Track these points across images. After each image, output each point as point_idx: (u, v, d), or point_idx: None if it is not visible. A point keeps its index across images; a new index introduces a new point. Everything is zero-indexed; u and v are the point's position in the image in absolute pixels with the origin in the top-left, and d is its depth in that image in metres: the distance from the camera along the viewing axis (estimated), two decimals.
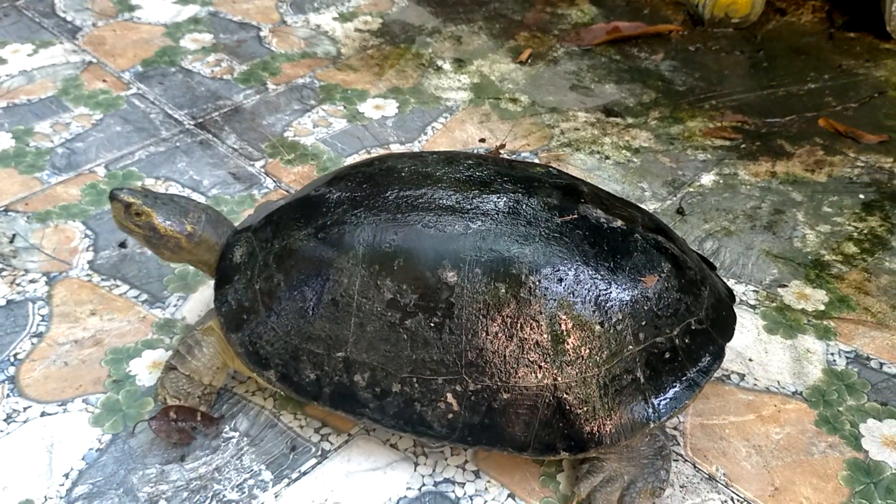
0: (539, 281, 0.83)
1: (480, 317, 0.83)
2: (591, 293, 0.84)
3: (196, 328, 0.96)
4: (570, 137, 1.45)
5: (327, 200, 0.91)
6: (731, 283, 1.14)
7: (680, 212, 1.27)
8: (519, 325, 0.82)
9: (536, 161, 1.37)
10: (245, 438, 0.94)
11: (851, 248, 1.21)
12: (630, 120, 1.49)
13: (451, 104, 1.53)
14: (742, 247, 1.21)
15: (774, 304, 1.11)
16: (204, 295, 1.12)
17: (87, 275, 1.14)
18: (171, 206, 0.94)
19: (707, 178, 1.35)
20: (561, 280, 0.83)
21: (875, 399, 0.98)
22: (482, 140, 1.43)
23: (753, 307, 1.11)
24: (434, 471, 0.91)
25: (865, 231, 1.24)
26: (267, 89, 1.56)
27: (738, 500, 0.88)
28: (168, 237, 0.93)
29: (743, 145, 1.43)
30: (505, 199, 0.88)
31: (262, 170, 1.36)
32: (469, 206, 0.87)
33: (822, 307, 1.11)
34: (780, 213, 1.28)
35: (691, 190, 1.33)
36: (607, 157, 1.40)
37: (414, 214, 0.87)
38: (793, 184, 1.34)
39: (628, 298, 0.85)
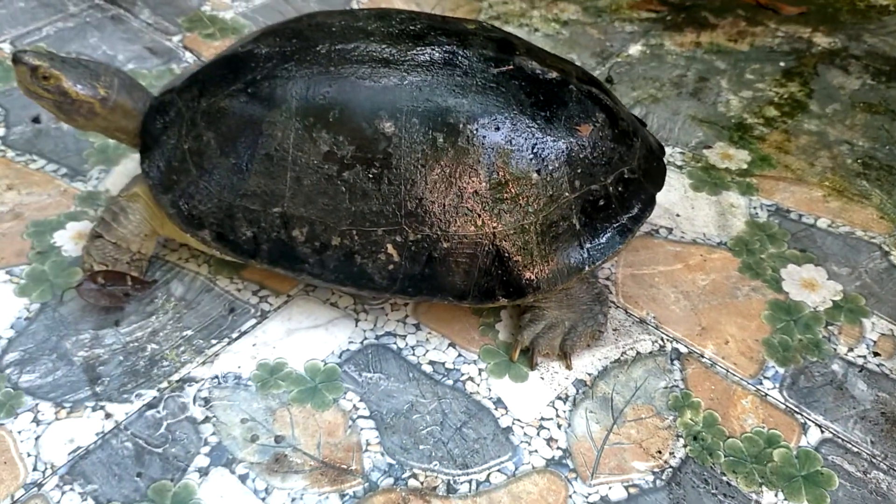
0: (476, 130, 0.82)
1: (419, 167, 0.82)
2: (527, 142, 0.84)
3: (121, 195, 0.92)
4: (498, 11, 1.43)
5: (255, 56, 0.88)
6: None
7: (609, 80, 1.28)
8: (457, 173, 0.82)
9: None
10: (182, 303, 0.92)
11: (772, 112, 1.24)
12: None
13: None
14: (669, 112, 1.23)
15: (700, 164, 1.14)
16: (127, 168, 1.08)
17: (0, 150, 1.08)
18: (81, 69, 0.88)
19: (634, 49, 1.36)
20: (498, 129, 0.83)
21: (794, 247, 1.03)
22: None
23: (680, 167, 1.14)
24: (375, 326, 0.91)
25: (786, 96, 1.27)
26: None
27: (668, 339, 0.92)
28: (80, 102, 0.88)
29: (668, 17, 1.44)
30: (440, 51, 0.87)
31: (181, 44, 1.30)
32: (403, 59, 0.85)
33: (745, 166, 1.14)
34: (705, 80, 1.30)
35: (619, 60, 1.33)
36: (536, 30, 1.39)
37: (347, 67, 0.85)
38: (717, 53, 1.36)
39: (564, 147, 0.85)
